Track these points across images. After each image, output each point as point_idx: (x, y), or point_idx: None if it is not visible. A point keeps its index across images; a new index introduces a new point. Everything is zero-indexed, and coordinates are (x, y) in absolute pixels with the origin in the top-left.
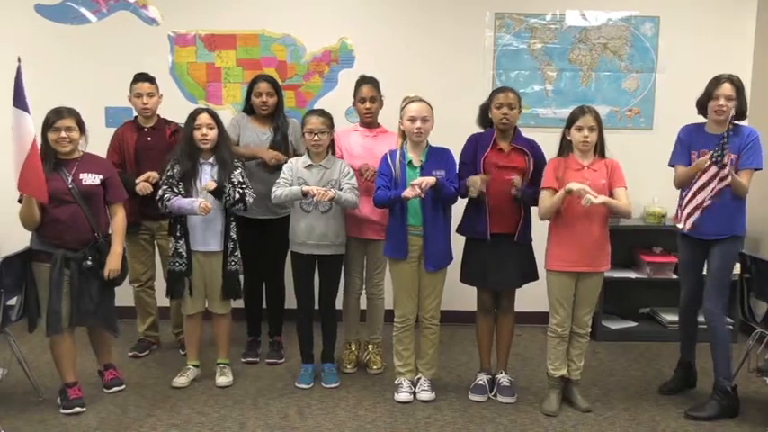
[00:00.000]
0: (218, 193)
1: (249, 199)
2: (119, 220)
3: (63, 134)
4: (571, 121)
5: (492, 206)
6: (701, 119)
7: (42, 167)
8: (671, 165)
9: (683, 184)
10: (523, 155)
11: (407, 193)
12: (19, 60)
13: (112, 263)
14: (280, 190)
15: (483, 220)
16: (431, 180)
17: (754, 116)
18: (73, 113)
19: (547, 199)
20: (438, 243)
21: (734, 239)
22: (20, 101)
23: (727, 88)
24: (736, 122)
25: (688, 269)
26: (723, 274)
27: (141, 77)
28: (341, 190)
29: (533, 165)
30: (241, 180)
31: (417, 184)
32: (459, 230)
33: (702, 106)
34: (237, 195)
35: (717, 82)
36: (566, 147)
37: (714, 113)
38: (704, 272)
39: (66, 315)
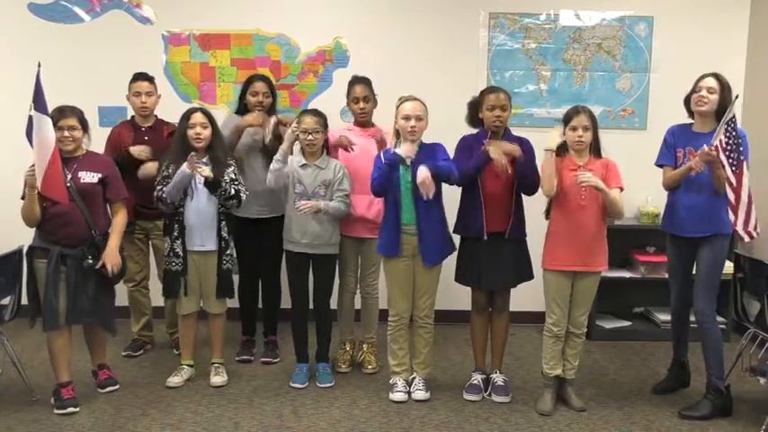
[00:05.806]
0: (212, 186)
1: (243, 196)
2: (119, 218)
3: (66, 133)
4: (566, 121)
5: (485, 205)
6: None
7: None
8: (657, 165)
9: (671, 186)
10: None
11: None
12: (39, 65)
13: (109, 258)
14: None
15: (479, 219)
16: (424, 174)
17: (745, 116)
18: (76, 112)
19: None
20: (434, 238)
21: (721, 238)
22: (40, 105)
23: (709, 81)
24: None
25: (677, 270)
26: (712, 274)
27: (140, 76)
28: (336, 191)
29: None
30: (234, 177)
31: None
32: (454, 230)
33: (688, 103)
34: (233, 191)
35: (701, 78)
36: (562, 146)
37: (695, 104)
38: (693, 272)
39: (62, 311)
